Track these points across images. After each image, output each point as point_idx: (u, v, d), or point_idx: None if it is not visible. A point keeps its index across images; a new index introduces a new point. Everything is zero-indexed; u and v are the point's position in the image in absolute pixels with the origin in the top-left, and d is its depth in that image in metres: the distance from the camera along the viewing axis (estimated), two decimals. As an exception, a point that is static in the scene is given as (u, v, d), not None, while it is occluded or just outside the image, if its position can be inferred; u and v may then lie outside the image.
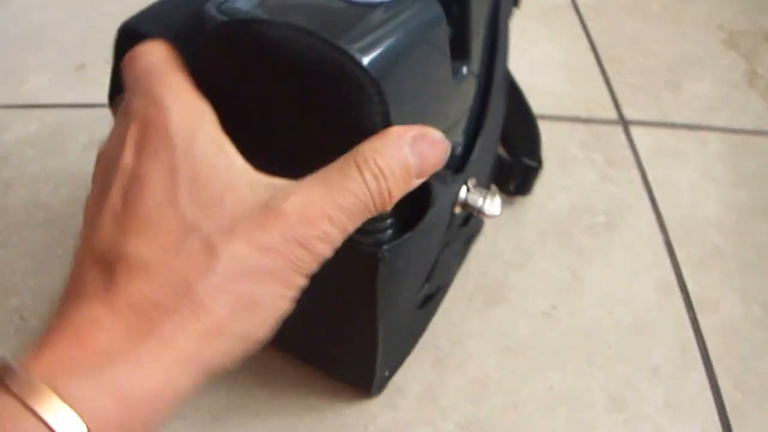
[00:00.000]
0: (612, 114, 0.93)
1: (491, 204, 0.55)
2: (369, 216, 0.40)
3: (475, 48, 0.52)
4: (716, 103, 0.96)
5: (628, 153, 0.87)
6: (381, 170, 0.39)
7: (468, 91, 0.55)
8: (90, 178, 0.81)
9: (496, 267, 0.76)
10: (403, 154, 0.40)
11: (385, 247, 0.48)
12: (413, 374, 0.67)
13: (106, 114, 0.89)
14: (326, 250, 0.39)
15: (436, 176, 0.46)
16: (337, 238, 0.39)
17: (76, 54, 1.02)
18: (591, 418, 0.65)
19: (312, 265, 0.39)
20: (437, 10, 0.45)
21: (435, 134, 0.42)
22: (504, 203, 0.77)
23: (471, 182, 0.56)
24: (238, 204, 0.38)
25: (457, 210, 0.56)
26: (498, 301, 0.73)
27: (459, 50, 0.51)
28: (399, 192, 0.41)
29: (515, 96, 0.84)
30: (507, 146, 0.85)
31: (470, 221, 0.68)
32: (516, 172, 0.80)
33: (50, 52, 1.02)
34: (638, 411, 0.65)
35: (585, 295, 0.74)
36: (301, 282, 0.39)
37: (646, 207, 0.82)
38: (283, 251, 0.37)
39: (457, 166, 0.57)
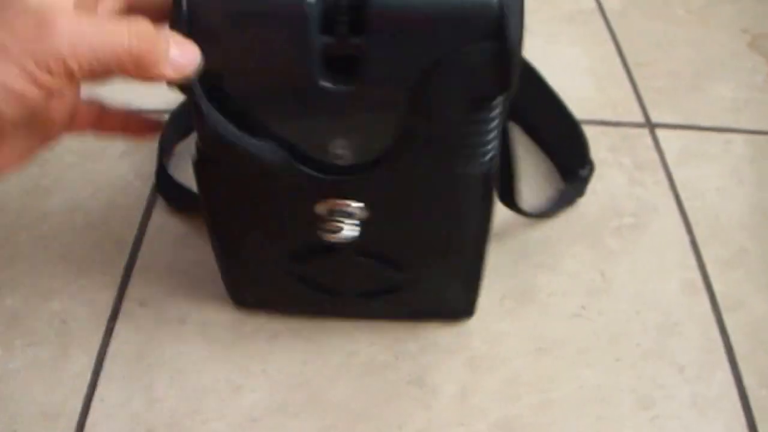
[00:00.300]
0: (639, 117, 0.94)
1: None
2: (116, 72, 0.44)
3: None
4: (741, 105, 0.97)
5: (655, 155, 0.89)
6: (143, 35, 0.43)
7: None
8: (128, 183, 0.83)
9: (526, 268, 0.77)
10: (166, 42, 0.45)
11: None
12: (447, 374, 0.69)
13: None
14: (60, 83, 0.42)
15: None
16: (77, 75, 0.42)
17: None
18: (619, 416, 0.66)
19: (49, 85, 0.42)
20: None
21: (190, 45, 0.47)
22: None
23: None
24: None
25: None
26: (528, 302, 0.74)
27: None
28: (147, 65, 0.44)
29: (555, 103, 0.87)
30: (552, 152, 0.88)
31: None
32: (572, 182, 0.82)
33: None
34: (665, 409, 0.67)
35: (613, 295, 0.75)
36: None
37: (673, 208, 0.83)
38: (24, 59, 0.40)
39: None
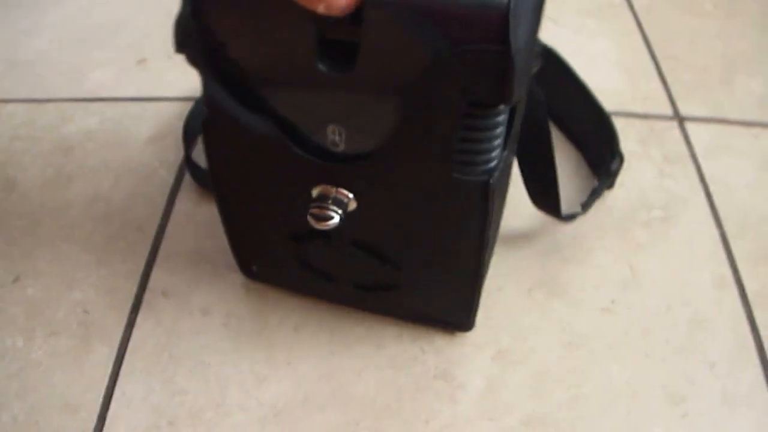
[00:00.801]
0: (667, 110, 0.92)
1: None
2: None
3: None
4: (769, 99, 0.95)
5: (684, 148, 0.87)
6: None
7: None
8: (152, 171, 0.82)
9: (555, 261, 0.75)
10: None
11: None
12: (474, 368, 0.67)
13: (167, 107, 0.91)
14: None
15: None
16: None
17: (138, 49, 1.02)
18: (650, 412, 0.64)
19: None
20: None
21: None
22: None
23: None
24: None
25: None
26: (557, 295, 0.72)
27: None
28: None
29: (584, 94, 0.85)
30: (582, 144, 0.86)
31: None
32: (602, 175, 0.80)
33: (112, 47, 1.03)
34: (696, 406, 0.65)
35: (643, 290, 0.73)
36: None
37: (702, 202, 0.81)
38: None
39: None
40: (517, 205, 0.74)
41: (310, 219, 0.57)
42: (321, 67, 0.49)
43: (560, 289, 0.73)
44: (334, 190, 0.57)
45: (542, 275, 0.74)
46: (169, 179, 0.83)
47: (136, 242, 0.77)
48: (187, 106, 0.89)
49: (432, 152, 0.52)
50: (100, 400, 0.65)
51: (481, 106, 0.49)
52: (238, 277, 0.73)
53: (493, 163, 0.53)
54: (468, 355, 0.68)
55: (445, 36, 0.46)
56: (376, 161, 0.54)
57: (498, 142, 0.52)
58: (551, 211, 0.74)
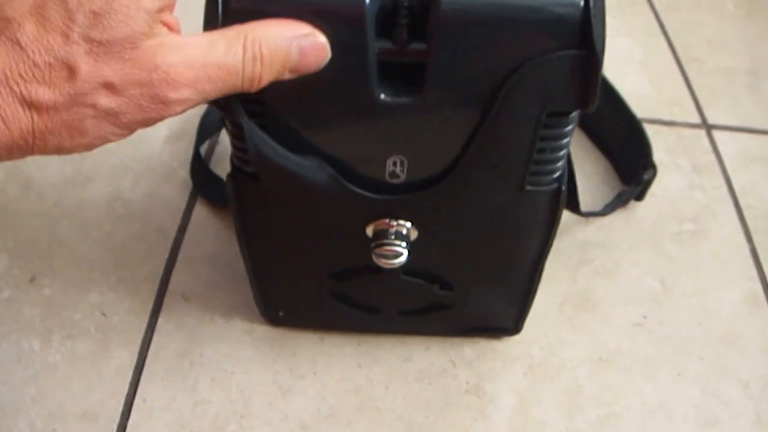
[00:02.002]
0: (695, 118, 0.89)
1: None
2: (231, 92, 0.40)
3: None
4: (795, 108, 0.92)
5: (713, 158, 0.84)
6: (262, 57, 0.39)
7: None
8: (171, 171, 0.79)
9: (586, 274, 0.73)
10: (287, 48, 0.40)
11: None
12: (506, 383, 0.64)
13: None
14: (177, 111, 0.39)
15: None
16: (194, 104, 0.39)
17: None
18: (684, 433, 0.62)
19: (155, 121, 0.39)
20: None
21: (321, 38, 0.42)
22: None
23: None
24: (123, 24, 0.36)
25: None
26: (588, 309, 0.70)
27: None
28: (268, 81, 0.41)
29: (616, 101, 0.82)
30: (612, 152, 0.83)
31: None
32: (633, 185, 0.77)
33: None
34: (729, 427, 0.63)
35: (675, 305, 0.71)
36: (135, 129, 0.39)
37: (732, 215, 0.78)
38: (138, 102, 0.37)
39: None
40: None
41: (376, 259, 0.53)
42: (383, 96, 0.45)
43: (591, 302, 0.70)
44: (394, 223, 0.53)
45: (573, 288, 0.71)
46: (188, 180, 0.79)
47: (155, 243, 0.73)
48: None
49: (508, 169, 0.49)
50: (121, 407, 0.62)
51: (558, 115, 0.46)
52: (260, 282, 0.70)
53: (561, 170, 0.51)
54: (499, 369, 0.65)
55: (522, 46, 0.43)
56: (446, 187, 0.50)
57: (566, 150, 0.50)
58: (569, 204, 0.70)
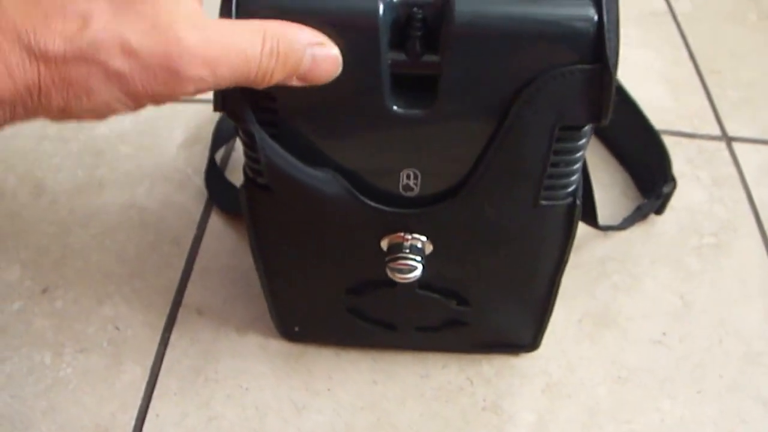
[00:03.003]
0: (715, 130, 0.87)
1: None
2: (242, 82, 0.39)
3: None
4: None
5: (733, 170, 0.82)
6: (279, 53, 0.39)
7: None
8: (186, 178, 0.77)
9: (605, 289, 0.70)
10: (302, 52, 0.40)
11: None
12: (524, 401, 0.63)
13: (203, 109, 0.86)
14: (189, 91, 0.37)
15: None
16: (206, 87, 0.37)
17: None
18: (704, 454, 0.60)
19: (165, 97, 0.37)
20: None
21: (334, 49, 0.41)
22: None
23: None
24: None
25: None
26: (607, 325, 0.68)
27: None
28: (277, 80, 0.40)
29: (635, 113, 0.80)
30: (631, 164, 0.81)
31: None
32: (653, 199, 0.75)
33: None
34: (750, 447, 0.60)
35: (694, 321, 0.69)
36: (144, 104, 0.37)
37: (753, 228, 0.76)
38: (152, 70, 0.35)
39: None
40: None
41: (390, 273, 0.51)
42: (396, 107, 0.44)
43: (609, 318, 0.68)
44: (409, 237, 0.51)
45: (592, 304, 0.69)
46: (203, 188, 0.77)
47: (170, 255, 0.71)
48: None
49: (522, 183, 0.48)
50: (133, 422, 0.60)
51: (572, 129, 0.45)
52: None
53: (576, 185, 0.49)
54: (517, 386, 0.63)
55: (536, 59, 0.42)
56: (460, 201, 0.49)
57: (581, 163, 0.48)
58: (588, 219, 0.69)
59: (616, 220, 0.74)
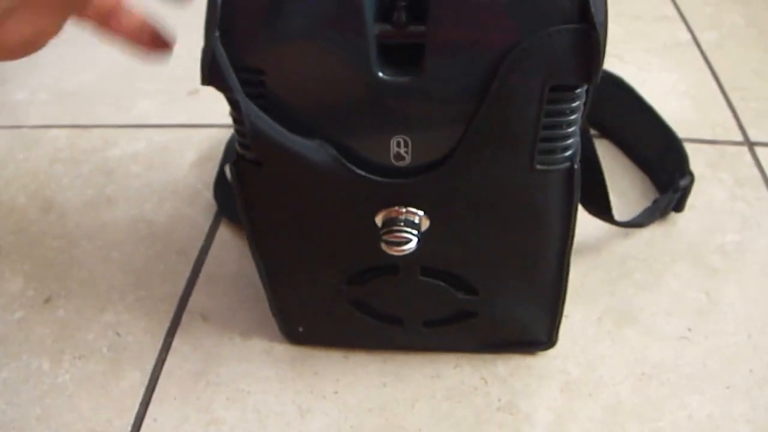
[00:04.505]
0: (737, 136, 0.82)
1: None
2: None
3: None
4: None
5: (756, 172, 0.76)
6: None
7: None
8: (196, 193, 0.74)
9: (626, 287, 0.65)
10: None
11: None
12: (541, 400, 0.57)
13: (215, 132, 0.83)
14: None
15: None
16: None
17: (191, 80, 0.95)
18: (736, 450, 0.54)
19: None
20: None
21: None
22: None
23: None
24: None
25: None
26: (629, 323, 0.62)
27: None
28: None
29: (648, 114, 0.77)
30: (650, 167, 0.77)
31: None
32: (670, 192, 0.70)
33: (163, 79, 0.96)
34: (786, 442, 0.54)
35: (721, 317, 0.63)
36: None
37: (779, 227, 0.71)
38: None
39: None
40: (580, 226, 0.64)
41: (383, 246, 0.48)
42: (382, 74, 0.42)
43: (632, 316, 0.63)
44: (403, 210, 0.47)
45: (612, 302, 0.64)
46: (214, 202, 0.74)
47: (176, 264, 0.68)
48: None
49: (514, 146, 0.44)
50: (129, 428, 0.56)
51: (562, 90, 0.42)
52: (282, 301, 0.64)
53: (572, 149, 0.46)
54: (534, 386, 0.58)
55: (521, 21, 0.40)
56: (452, 167, 0.45)
57: (576, 126, 0.45)
58: (603, 214, 0.64)
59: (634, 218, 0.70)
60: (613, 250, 0.68)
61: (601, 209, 0.63)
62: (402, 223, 0.47)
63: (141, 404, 0.57)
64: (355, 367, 0.60)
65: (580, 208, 0.50)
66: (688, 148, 0.73)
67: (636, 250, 0.68)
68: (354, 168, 0.46)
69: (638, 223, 0.68)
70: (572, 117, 0.44)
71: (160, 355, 0.61)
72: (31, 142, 0.84)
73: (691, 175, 0.69)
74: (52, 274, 0.67)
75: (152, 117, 0.89)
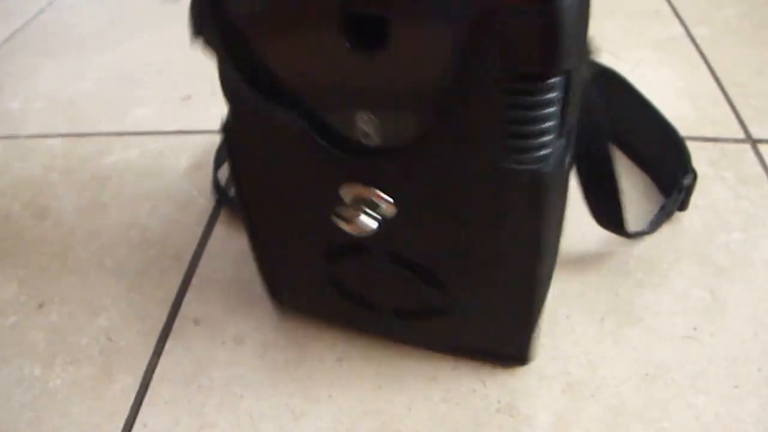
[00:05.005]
0: (738, 133, 0.80)
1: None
2: None
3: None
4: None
5: (759, 170, 0.74)
6: None
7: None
8: (190, 198, 0.73)
9: (628, 286, 0.63)
10: None
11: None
12: (542, 402, 0.55)
13: (209, 138, 0.82)
14: None
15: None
16: None
17: (183, 87, 0.95)
18: (745, 450, 0.52)
19: None
20: None
21: None
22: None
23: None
24: None
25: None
26: (632, 322, 0.60)
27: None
28: None
29: (648, 112, 0.74)
30: (651, 166, 0.75)
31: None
32: (675, 194, 0.68)
33: (157, 86, 0.96)
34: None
35: (727, 315, 0.61)
36: None
37: (785, 224, 0.69)
38: None
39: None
40: (583, 226, 0.63)
41: (340, 223, 0.47)
42: (348, 45, 0.41)
43: (635, 316, 0.61)
44: (368, 191, 0.46)
45: (614, 301, 0.62)
46: (208, 206, 0.73)
47: (169, 269, 0.66)
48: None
49: (478, 137, 0.42)
50: (119, 432, 0.54)
51: (529, 80, 0.39)
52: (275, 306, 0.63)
53: (545, 151, 0.42)
54: (534, 387, 0.56)
55: (483, 1, 0.37)
56: (415, 153, 0.44)
57: (550, 125, 0.42)
58: (615, 227, 0.62)
59: (640, 223, 0.68)
60: (614, 248, 0.67)
61: (614, 223, 0.62)
62: (364, 204, 0.46)
63: (132, 408, 0.56)
64: (350, 370, 0.58)
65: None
66: (689, 147, 0.72)
67: (638, 249, 0.66)
68: (317, 137, 0.45)
69: (649, 231, 0.66)
70: (544, 112, 0.41)
71: (152, 359, 0.59)
72: (27, 151, 0.83)
73: (693, 172, 0.68)
74: (46, 279, 0.66)
75: (146, 124, 0.88)
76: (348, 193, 0.47)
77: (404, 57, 0.40)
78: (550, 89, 0.40)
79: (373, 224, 0.46)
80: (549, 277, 0.56)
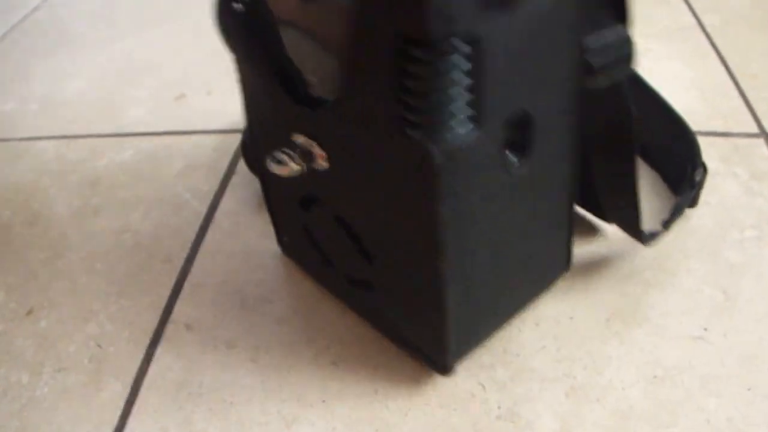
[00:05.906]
0: (752, 128, 0.77)
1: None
2: None
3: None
4: None
5: (773, 166, 0.72)
6: None
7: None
8: (183, 202, 0.71)
9: (635, 286, 0.61)
10: None
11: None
12: (545, 406, 0.53)
13: (202, 139, 0.81)
14: None
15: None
16: None
17: (176, 86, 0.94)
18: (759, 455, 0.49)
19: None
20: None
21: None
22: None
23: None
24: None
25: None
26: (639, 323, 0.58)
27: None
28: None
29: (657, 105, 0.71)
30: (659, 161, 0.72)
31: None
32: (687, 190, 0.66)
33: (150, 85, 0.95)
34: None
35: (740, 315, 0.58)
36: None
37: (799, 221, 0.66)
38: None
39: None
40: (587, 225, 0.60)
41: (268, 161, 0.48)
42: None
43: (642, 316, 0.58)
44: (308, 142, 0.48)
45: (621, 301, 0.59)
46: (201, 210, 0.71)
47: (161, 273, 0.65)
48: (224, 138, 0.80)
49: (376, 103, 0.40)
50: (107, 441, 0.53)
51: (417, 45, 0.36)
52: (270, 310, 0.61)
53: (447, 133, 0.39)
54: (536, 391, 0.54)
55: None
56: (338, 108, 0.44)
57: (450, 100, 0.38)
58: (629, 227, 0.60)
59: (650, 221, 0.65)
60: (620, 247, 0.64)
61: (630, 227, 0.59)
62: (298, 150, 0.48)
63: (120, 417, 0.54)
64: (344, 375, 0.56)
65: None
66: (700, 142, 0.69)
67: (645, 248, 0.64)
68: (276, 83, 0.47)
69: (663, 231, 0.63)
70: (439, 84, 0.37)
71: (141, 365, 0.57)
72: (20, 154, 0.83)
73: (704, 166, 0.65)
74: (35, 286, 0.65)
75: (139, 125, 0.87)
76: (297, 141, 0.48)
77: (319, 14, 0.42)
78: (442, 57, 0.37)
79: (291, 167, 0.48)
80: (490, 287, 0.52)
